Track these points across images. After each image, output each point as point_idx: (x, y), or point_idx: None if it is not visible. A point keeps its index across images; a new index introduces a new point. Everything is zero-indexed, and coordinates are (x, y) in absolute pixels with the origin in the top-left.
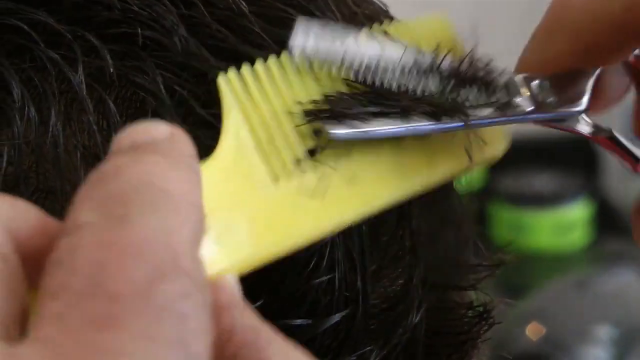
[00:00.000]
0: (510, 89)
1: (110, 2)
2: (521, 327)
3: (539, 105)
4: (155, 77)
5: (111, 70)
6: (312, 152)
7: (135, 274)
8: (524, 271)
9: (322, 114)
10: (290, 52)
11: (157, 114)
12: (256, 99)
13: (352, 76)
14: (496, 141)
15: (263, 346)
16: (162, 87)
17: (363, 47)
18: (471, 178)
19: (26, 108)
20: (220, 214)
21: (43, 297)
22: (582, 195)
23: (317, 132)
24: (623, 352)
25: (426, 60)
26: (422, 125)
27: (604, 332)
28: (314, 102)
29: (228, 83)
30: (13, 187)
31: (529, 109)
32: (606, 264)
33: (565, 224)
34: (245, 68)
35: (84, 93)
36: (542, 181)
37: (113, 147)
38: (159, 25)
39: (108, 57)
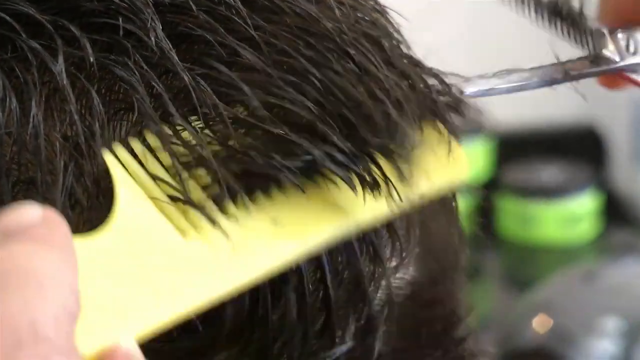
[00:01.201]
0: (598, 40)
1: None
2: (528, 320)
3: (624, 56)
4: (134, 69)
5: (91, 60)
6: (223, 200)
7: None
8: (531, 263)
9: None
10: None
11: (137, 106)
12: (151, 165)
13: None
14: (457, 164)
15: None
16: (139, 80)
17: None
18: (478, 170)
19: (7, 99)
20: (121, 278)
21: None
22: (589, 187)
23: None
24: (631, 345)
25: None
26: (531, 81)
27: (612, 324)
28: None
29: (116, 157)
30: None
31: (617, 59)
32: (614, 256)
33: (572, 216)
34: (135, 141)
35: (65, 83)
36: (549, 173)
37: None
38: (138, 18)
39: (88, 46)
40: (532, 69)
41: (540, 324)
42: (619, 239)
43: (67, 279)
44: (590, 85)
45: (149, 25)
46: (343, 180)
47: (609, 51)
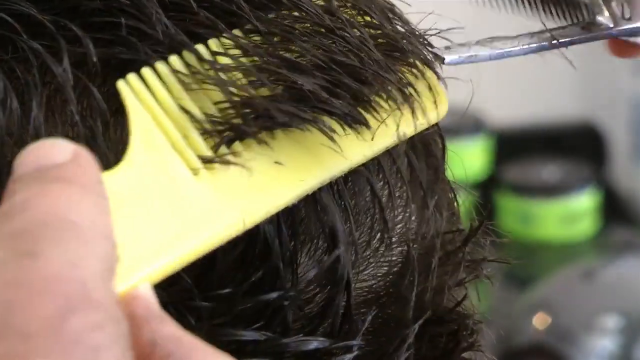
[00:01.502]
0: (593, 8)
1: None
2: (528, 318)
3: (618, 21)
4: (144, 50)
5: (94, 59)
6: (231, 141)
7: (44, 310)
8: (530, 261)
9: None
10: None
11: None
12: (162, 98)
13: None
14: (439, 101)
15: (186, 355)
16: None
17: None
18: (477, 168)
19: (8, 100)
20: (137, 218)
21: None
22: (589, 185)
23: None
24: (630, 342)
25: None
26: (516, 48)
27: (611, 322)
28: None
29: (129, 86)
30: None
31: (610, 25)
32: (613, 253)
33: (572, 214)
34: (147, 70)
35: (67, 83)
36: (549, 171)
37: (17, 170)
38: (142, 14)
39: (91, 46)
40: (517, 36)
41: (540, 321)
42: (618, 236)
43: (106, 228)
44: (591, 83)
45: (153, 18)
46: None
47: (604, 18)
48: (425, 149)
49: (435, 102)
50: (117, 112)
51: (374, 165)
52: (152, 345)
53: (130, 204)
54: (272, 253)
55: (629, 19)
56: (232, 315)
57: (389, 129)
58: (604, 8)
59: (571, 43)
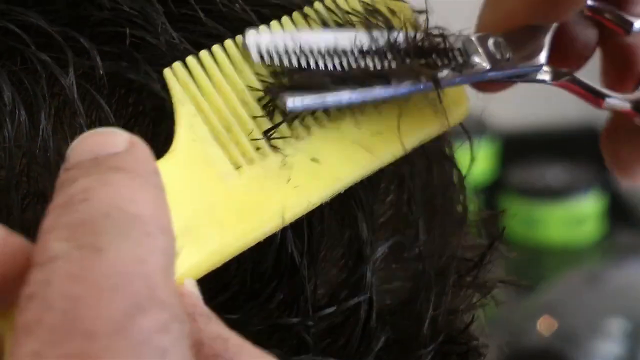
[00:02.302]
0: (467, 49)
1: (101, 2)
2: (533, 321)
3: (496, 62)
4: (150, 72)
5: (101, 72)
6: (271, 135)
7: (111, 308)
8: (535, 264)
9: (281, 88)
10: (244, 45)
11: (154, 110)
12: (206, 89)
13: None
14: (460, 102)
15: (233, 356)
16: (157, 81)
17: (316, 37)
18: (482, 171)
19: (17, 111)
20: (183, 211)
21: (17, 332)
22: (594, 188)
23: (276, 107)
24: (635, 346)
25: (381, 39)
26: (380, 90)
27: (616, 325)
28: (274, 76)
29: (175, 76)
30: (4, 191)
31: (487, 67)
32: (618, 257)
33: (577, 217)
34: (192, 59)
35: (75, 95)
36: (553, 174)
37: (72, 158)
38: (149, 24)
39: (98, 58)
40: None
41: (544, 325)
42: (623, 240)
43: (166, 221)
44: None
45: (159, 29)
46: None
47: (479, 59)
48: (441, 162)
49: (456, 102)
50: (126, 125)
51: (393, 179)
52: (199, 345)
53: (173, 196)
54: (297, 274)
55: (508, 60)
56: (244, 332)
57: (415, 129)
58: (480, 48)
59: (446, 85)
